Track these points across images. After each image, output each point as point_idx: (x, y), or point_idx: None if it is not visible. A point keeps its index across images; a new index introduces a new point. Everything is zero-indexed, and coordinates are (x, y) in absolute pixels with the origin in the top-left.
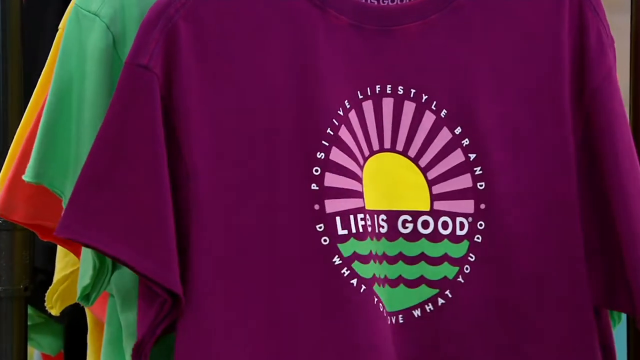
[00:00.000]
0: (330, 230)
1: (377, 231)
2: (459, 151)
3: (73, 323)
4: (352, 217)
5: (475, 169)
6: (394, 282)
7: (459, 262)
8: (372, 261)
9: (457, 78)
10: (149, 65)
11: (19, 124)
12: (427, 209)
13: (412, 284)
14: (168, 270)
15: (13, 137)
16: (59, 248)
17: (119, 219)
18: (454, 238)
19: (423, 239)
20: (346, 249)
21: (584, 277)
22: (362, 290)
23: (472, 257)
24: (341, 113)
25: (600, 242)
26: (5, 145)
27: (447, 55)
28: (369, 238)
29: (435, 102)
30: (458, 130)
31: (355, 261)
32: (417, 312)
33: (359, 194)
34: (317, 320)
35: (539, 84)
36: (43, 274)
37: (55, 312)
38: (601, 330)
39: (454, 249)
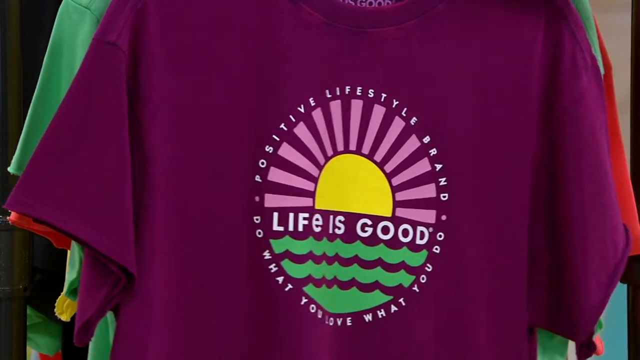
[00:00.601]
0: (266, 224)
1: (330, 232)
2: (425, 160)
3: (71, 323)
4: (292, 214)
5: (440, 179)
6: (345, 284)
7: (416, 271)
8: (309, 261)
9: (429, 87)
10: (117, 43)
11: (18, 124)
12: (389, 214)
13: (366, 288)
14: (126, 249)
15: (12, 137)
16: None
17: (77, 196)
18: (413, 247)
19: (382, 245)
20: (279, 245)
21: (523, 297)
22: (287, 289)
23: (429, 268)
24: (302, 110)
25: (549, 264)
26: (4, 145)
27: (421, 64)
28: (311, 237)
29: (405, 109)
30: (427, 139)
31: (286, 259)
32: (368, 317)
33: (307, 193)
34: (240, 314)
35: (509, 101)
36: (41, 274)
37: (65, 317)
38: (530, 350)
39: (412, 258)
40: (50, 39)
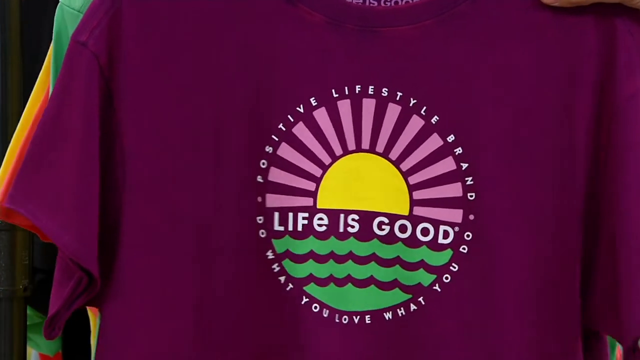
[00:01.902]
0: (268, 224)
1: (341, 230)
2: (450, 159)
3: (71, 324)
4: (291, 214)
5: (466, 178)
6: (361, 282)
7: (437, 270)
8: (310, 260)
9: (453, 86)
10: (87, 42)
11: (18, 124)
12: (406, 213)
13: (385, 286)
14: (85, 248)
15: (12, 137)
16: None
17: (49, 194)
18: (434, 246)
19: (400, 243)
20: (280, 245)
21: (576, 303)
22: (288, 289)
23: (454, 267)
24: (301, 110)
25: (602, 268)
26: (4, 146)
27: (442, 63)
28: (312, 237)
29: (425, 108)
30: (451, 138)
31: (287, 259)
32: (388, 315)
33: (307, 193)
34: (245, 314)
35: (549, 103)
36: (42, 274)
37: None
38: (598, 355)
39: (433, 257)
40: (52, 43)
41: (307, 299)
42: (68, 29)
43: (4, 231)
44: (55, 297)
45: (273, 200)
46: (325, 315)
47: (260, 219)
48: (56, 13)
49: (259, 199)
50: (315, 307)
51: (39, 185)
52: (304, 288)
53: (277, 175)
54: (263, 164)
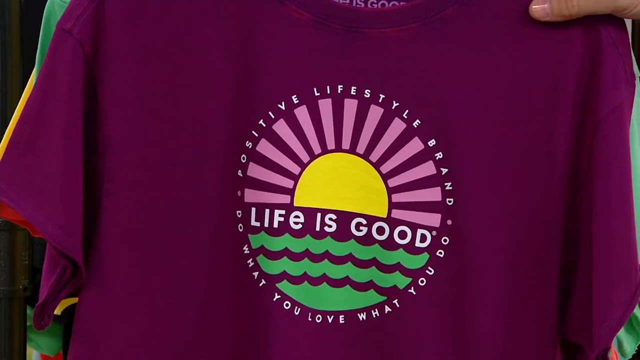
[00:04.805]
0: (246, 219)
1: (317, 229)
2: (430, 163)
3: (72, 324)
4: (267, 210)
5: (446, 183)
6: (337, 282)
7: (413, 273)
8: (284, 258)
9: (436, 91)
10: (72, 30)
11: None
12: (384, 215)
13: (361, 287)
14: (69, 236)
15: None
16: None
17: (33, 182)
18: (411, 249)
19: (377, 245)
20: (255, 240)
21: (553, 312)
22: (260, 285)
23: (430, 271)
24: (282, 107)
25: (576, 278)
26: None
27: (426, 67)
28: (287, 234)
29: (407, 111)
30: (432, 143)
31: (261, 255)
32: (362, 316)
33: (284, 190)
34: (218, 307)
35: (532, 111)
36: (42, 274)
37: (57, 310)
38: None
39: (409, 260)
40: (41, 31)
41: (279, 296)
42: (58, 19)
43: (4, 231)
44: (44, 286)
45: (251, 195)
46: (296, 313)
47: (239, 213)
48: (47, 3)
49: (239, 193)
50: (287, 305)
51: (22, 174)
52: (277, 285)
53: (255, 171)
54: (243, 158)
